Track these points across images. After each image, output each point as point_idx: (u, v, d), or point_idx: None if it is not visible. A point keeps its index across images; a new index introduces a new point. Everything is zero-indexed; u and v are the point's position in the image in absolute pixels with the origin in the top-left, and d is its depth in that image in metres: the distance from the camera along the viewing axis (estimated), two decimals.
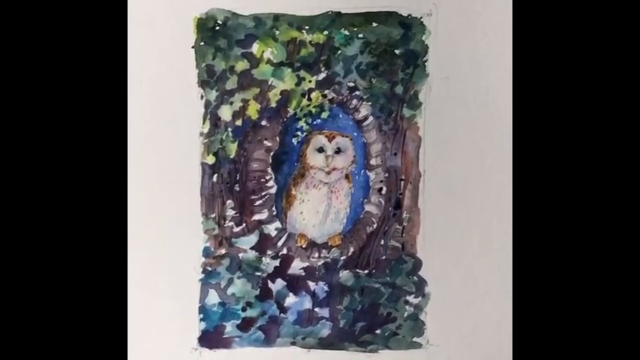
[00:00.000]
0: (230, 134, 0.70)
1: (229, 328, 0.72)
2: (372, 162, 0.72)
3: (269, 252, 0.72)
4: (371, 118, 0.71)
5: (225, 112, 0.70)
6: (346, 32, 0.70)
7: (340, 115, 0.71)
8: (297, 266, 0.72)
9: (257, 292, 0.72)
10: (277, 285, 0.72)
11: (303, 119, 0.71)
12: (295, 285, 0.72)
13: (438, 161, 0.71)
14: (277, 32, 0.69)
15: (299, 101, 0.71)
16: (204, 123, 0.70)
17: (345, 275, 0.72)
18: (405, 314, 0.72)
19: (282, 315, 0.72)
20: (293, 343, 0.72)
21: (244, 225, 0.72)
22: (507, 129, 0.70)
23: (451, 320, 0.72)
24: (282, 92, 0.70)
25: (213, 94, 0.70)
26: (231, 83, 0.70)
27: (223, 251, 0.71)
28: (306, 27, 0.70)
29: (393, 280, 0.72)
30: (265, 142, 0.71)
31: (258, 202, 0.72)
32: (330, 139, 0.71)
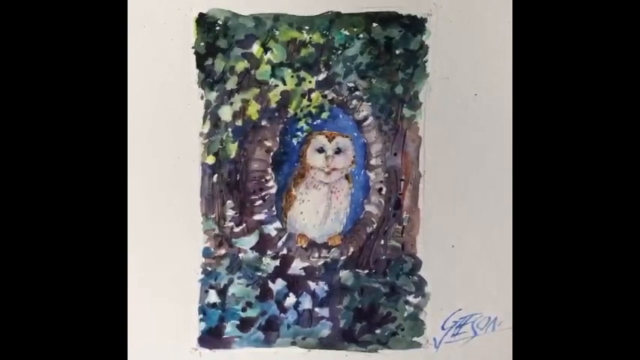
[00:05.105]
0: (230, 134, 0.70)
1: (229, 328, 0.72)
2: (372, 162, 0.72)
3: (269, 252, 0.72)
4: (371, 119, 0.71)
5: (226, 113, 0.70)
6: (346, 32, 0.70)
7: (340, 116, 0.71)
8: (297, 266, 0.72)
9: (257, 292, 0.72)
10: (277, 285, 0.72)
11: (304, 119, 0.71)
12: (295, 285, 0.72)
13: (438, 161, 0.71)
14: (277, 32, 0.69)
15: (299, 102, 0.71)
16: (204, 123, 0.70)
17: (345, 275, 0.72)
18: (405, 314, 0.72)
19: (282, 315, 0.72)
20: (293, 343, 0.72)
21: (244, 225, 0.72)
22: (507, 129, 0.70)
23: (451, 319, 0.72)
24: (283, 93, 0.70)
25: (213, 95, 0.70)
26: (232, 84, 0.70)
27: (223, 251, 0.71)
28: (306, 27, 0.70)
29: (393, 280, 0.72)
30: (265, 142, 0.71)
31: (258, 203, 0.72)
32: (330, 139, 0.71)
